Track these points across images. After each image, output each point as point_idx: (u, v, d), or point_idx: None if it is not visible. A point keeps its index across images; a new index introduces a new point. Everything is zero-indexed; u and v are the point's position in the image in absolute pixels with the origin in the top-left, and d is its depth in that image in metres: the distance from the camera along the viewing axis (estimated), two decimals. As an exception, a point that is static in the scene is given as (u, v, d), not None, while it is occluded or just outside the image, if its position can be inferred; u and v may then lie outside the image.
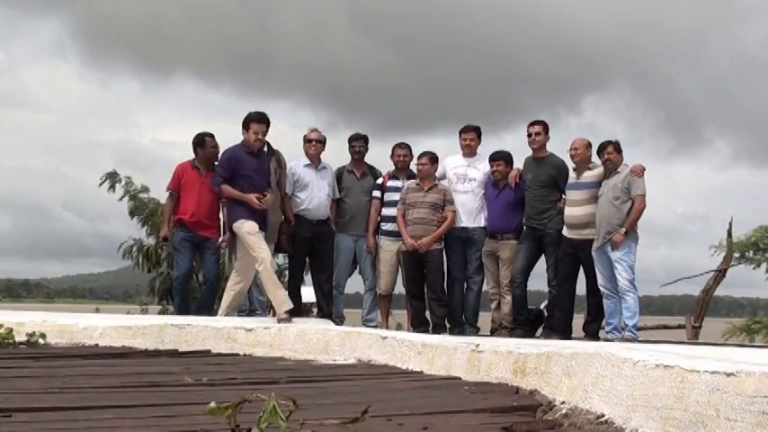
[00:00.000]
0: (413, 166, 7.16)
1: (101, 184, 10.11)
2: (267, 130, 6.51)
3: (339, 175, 7.26)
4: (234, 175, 6.37)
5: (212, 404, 1.93)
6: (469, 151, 7.08)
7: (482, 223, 6.89)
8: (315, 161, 7.11)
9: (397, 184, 7.07)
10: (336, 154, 7.02)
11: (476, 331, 6.80)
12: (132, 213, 10.22)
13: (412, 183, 6.93)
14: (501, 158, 6.84)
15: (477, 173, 6.98)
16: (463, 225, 6.84)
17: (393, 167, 7.28)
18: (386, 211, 7.05)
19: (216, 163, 6.86)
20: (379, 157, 7.57)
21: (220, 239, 6.94)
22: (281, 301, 6.10)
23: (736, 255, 10.73)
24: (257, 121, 6.43)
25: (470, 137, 7.08)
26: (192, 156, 7.04)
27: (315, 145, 7.11)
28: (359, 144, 7.29)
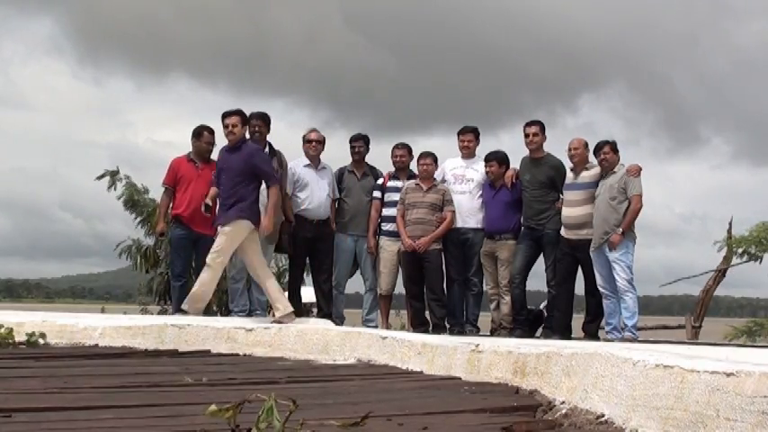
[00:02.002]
0: (413, 167, 7.16)
1: (99, 178, 10.06)
2: (242, 122, 6.31)
3: (340, 175, 7.26)
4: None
5: (213, 406, 1.92)
6: (468, 152, 7.09)
7: (479, 224, 6.89)
8: (315, 161, 7.12)
9: (398, 184, 7.07)
10: (333, 153, 7.01)
11: (476, 331, 6.80)
12: (127, 204, 10.15)
13: (411, 183, 6.93)
14: (494, 159, 6.84)
15: (475, 174, 6.98)
16: (458, 225, 6.85)
17: (392, 167, 7.29)
18: (386, 212, 7.05)
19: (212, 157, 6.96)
20: (376, 157, 7.52)
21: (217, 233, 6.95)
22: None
23: (739, 251, 10.72)
24: (224, 115, 6.34)
25: (468, 138, 7.09)
26: (189, 150, 7.06)
27: (314, 145, 7.12)
28: (359, 144, 7.29)
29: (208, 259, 6.24)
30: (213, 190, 6.34)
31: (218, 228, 6.25)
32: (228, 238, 6.15)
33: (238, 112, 6.34)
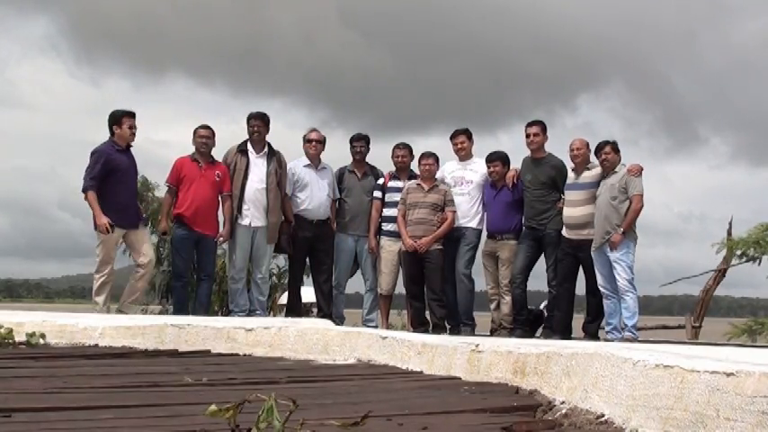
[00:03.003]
0: (414, 167, 7.17)
1: None
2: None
3: (340, 175, 7.27)
4: (108, 174, 6.55)
5: (213, 406, 1.92)
6: (464, 154, 7.10)
7: (475, 225, 6.90)
8: (315, 161, 7.13)
9: (399, 184, 7.07)
10: (330, 153, 7.10)
11: (471, 328, 6.79)
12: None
13: (413, 183, 6.94)
14: (498, 159, 6.86)
15: (474, 175, 6.99)
16: (455, 225, 6.86)
17: (391, 167, 7.29)
18: (387, 212, 7.06)
19: (211, 154, 7.04)
20: (373, 156, 7.50)
21: (218, 234, 6.96)
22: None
23: (738, 253, 10.72)
24: (130, 114, 6.71)
25: (461, 140, 7.10)
26: (191, 150, 7.07)
27: (315, 145, 7.13)
28: (360, 144, 7.30)
29: (143, 281, 6.83)
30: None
31: (131, 228, 6.73)
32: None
33: (134, 115, 6.77)
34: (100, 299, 6.66)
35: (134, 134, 6.73)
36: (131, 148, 6.85)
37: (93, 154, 6.57)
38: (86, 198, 6.51)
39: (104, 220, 6.49)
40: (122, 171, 6.61)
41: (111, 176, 6.54)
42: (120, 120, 6.64)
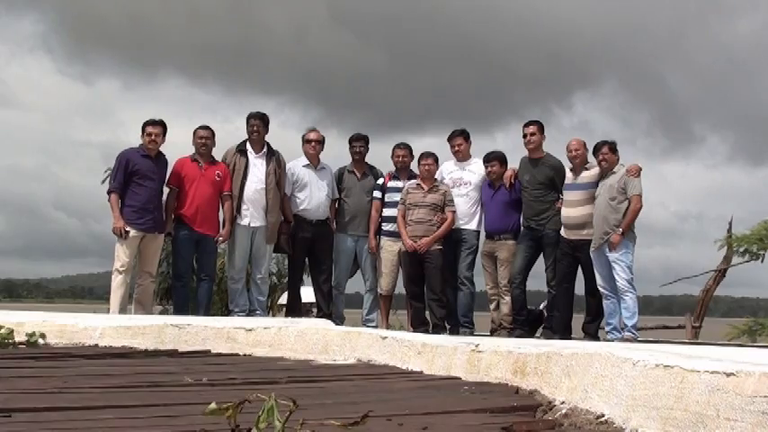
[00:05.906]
0: (413, 167, 7.16)
1: (103, 181, 10.04)
2: (164, 133, 6.82)
3: (340, 175, 7.27)
4: (130, 177, 6.65)
5: (212, 405, 1.92)
6: (462, 156, 7.10)
7: (474, 226, 6.90)
8: (314, 161, 7.13)
9: (398, 184, 7.07)
10: (325, 152, 7.13)
11: (470, 331, 6.79)
12: None
13: (413, 183, 6.94)
14: (495, 159, 6.86)
15: (472, 176, 6.99)
16: (454, 227, 6.86)
17: (387, 167, 7.30)
18: (387, 212, 7.06)
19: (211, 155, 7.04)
20: (370, 156, 7.52)
21: (218, 234, 6.96)
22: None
23: (741, 250, 10.70)
24: (147, 123, 6.78)
25: (458, 142, 7.10)
26: (184, 148, 7.13)
27: (314, 145, 7.13)
28: (360, 144, 7.30)
29: (145, 294, 6.84)
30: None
31: (153, 233, 6.76)
32: None
33: (162, 123, 6.83)
34: (114, 305, 6.68)
35: (153, 141, 6.74)
36: (163, 156, 6.91)
37: (116, 158, 6.79)
38: (109, 200, 6.68)
39: (120, 224, 6.61)
40: (141, 175, 6.67)
41: (131, 179, 6.67)
42: (144, 128, 6.81)
